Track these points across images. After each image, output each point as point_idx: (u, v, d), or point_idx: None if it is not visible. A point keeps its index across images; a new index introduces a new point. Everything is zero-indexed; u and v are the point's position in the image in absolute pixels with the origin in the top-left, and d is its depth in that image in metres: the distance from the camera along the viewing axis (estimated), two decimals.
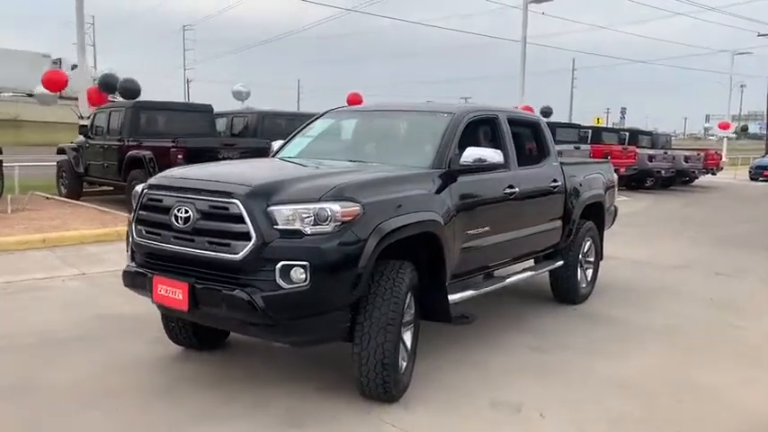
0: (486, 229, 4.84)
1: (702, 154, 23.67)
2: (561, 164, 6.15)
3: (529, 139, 6.11)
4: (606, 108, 76.12)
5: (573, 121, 30.91)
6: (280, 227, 3.50)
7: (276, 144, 5.52)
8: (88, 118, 13.78)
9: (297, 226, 3.50)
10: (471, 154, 4.56)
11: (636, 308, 6.43)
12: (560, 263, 6.18)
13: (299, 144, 5.39)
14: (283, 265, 3.44)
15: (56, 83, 14.25)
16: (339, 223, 3.52)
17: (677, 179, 22.75)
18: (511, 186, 5.14)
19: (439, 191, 4.35)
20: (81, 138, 13.35)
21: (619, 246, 9.30)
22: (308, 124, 5.58)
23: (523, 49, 25.86)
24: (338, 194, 3.61)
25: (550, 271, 6.19)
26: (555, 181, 5.91)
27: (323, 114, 5.64)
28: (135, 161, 11.15)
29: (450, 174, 4.50)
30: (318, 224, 3.50)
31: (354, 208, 3.61)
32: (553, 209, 5.97)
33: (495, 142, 5.31)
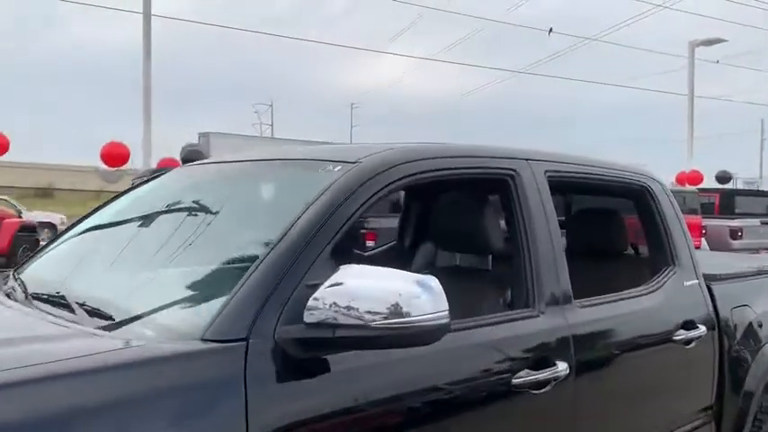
0: None
1: None
2: (709, 279, 2.71)
3: (621, 227, 2.77)
4: None
5: (763, 189, 25.23)
6: None
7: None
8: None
9: None
10: (350, 289, 1.42)
11: None
12: None
13: (88, 226, 2.46)
14: None
15: (117, 157, 12.81)
16: None
17: None
18: (545, 362, 1.90)
19: None
20: None
21: None
22: (125, 193, 2.63)
23: (690, 103, 22.15)
24: None
25: None
26: (690, 326, 2.46)
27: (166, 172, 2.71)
28: None
29: (277, 355, 1.41)
30: None
31: None
32: (686, 389, 2.55)
33: (510, 238, 2.12)
